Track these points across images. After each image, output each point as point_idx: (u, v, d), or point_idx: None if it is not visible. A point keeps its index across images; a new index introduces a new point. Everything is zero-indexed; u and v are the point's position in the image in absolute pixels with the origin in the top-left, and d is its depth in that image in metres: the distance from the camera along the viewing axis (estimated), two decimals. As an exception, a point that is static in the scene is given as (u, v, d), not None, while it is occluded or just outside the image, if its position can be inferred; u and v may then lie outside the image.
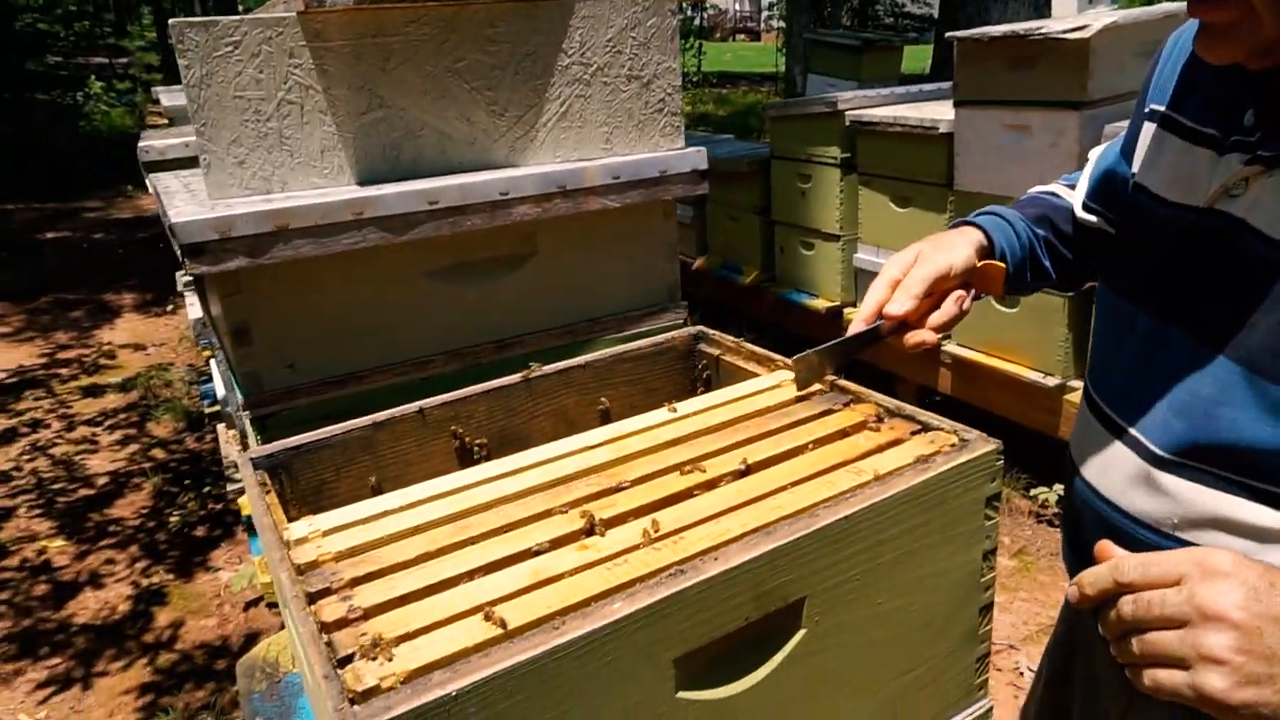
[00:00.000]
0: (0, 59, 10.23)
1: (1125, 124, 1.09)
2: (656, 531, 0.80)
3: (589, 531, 0.82)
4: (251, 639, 2.93)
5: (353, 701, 0.62)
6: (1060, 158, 2.88)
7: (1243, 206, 0.83)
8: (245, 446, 2.23)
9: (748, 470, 0.92)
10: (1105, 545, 0.76)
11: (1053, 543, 3.13)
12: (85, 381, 5.16)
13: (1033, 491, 3.26)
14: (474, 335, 1.36)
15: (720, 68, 21.15)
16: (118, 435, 4.45)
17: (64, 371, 5.33)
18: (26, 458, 4.23)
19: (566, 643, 0.66)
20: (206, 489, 3.83)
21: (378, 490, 1.07)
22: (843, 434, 0.98)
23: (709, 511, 0.83)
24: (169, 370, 5.23)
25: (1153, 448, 0.92)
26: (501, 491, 0.91)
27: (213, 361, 2.89)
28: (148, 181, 1.96)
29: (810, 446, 0.96)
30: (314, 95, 1.19)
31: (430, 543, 0.83)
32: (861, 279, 3.89)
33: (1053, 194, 1.19)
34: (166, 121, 3.10)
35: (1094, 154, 1.16)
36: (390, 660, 0.66)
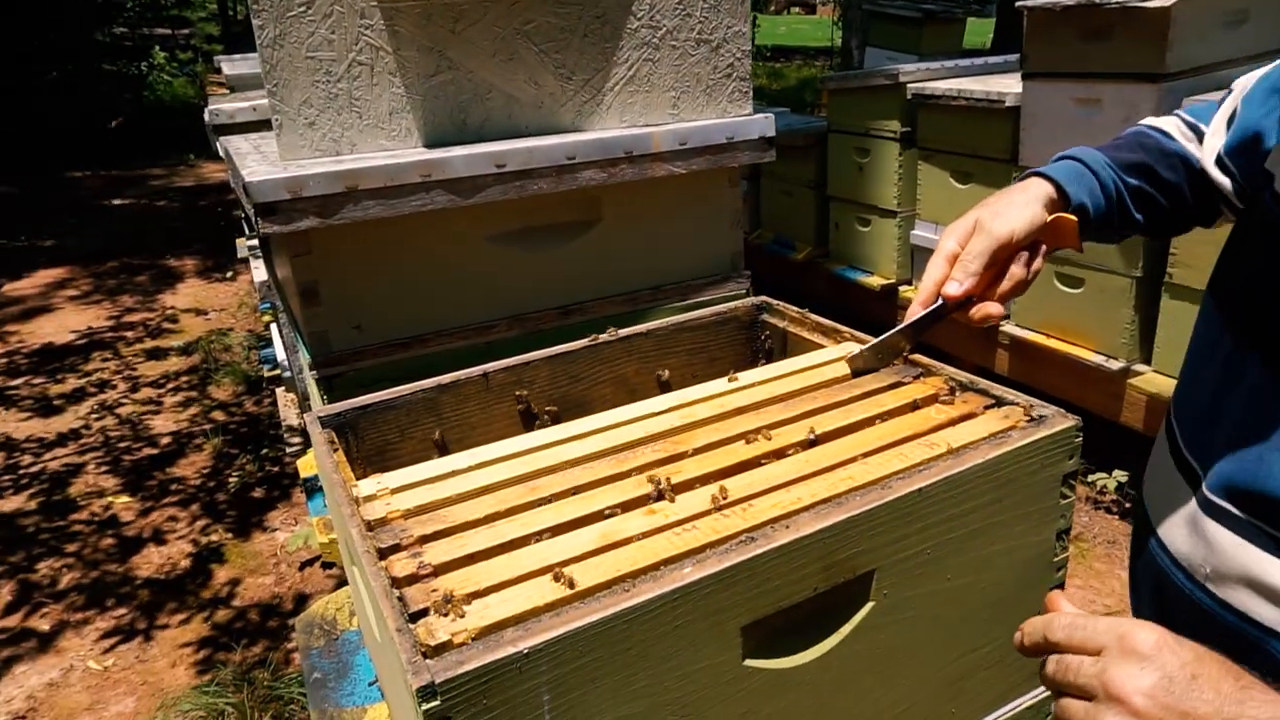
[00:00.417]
0: (71, 30, 10.48)
1: (1205, 98, 0.97)
2: (725, 498, 0.80)
3: (658, 496, 0.81)
4: (304, 599, 3.00)
5: (425, 655, 0.63)
6: (1133, 134, 2.77)
7: None
8: (304, 409, 2.27)
9: (816, 440, 0.90)
10: (1055, 596, 0.71)
11: (1109, 530, 3.06)
12: (149, 344, 5.32)
13: (1091, 477, 3.18)
14: (537, 301, 1.36)
15: (774, 41, 20.83)
16: (180, 397, 4.57)
17: (129, 334, 5.50)
18: (95, 416, 4.38)
19: (637, 605, 0.66)
20: (264, 451, 3.92)
21: (443, 451, 1.08)
22: (913, 406, 0.96)
23: (778, 480, 0.82)
24: (228, 335, 5.36)
25: (1204, 488, 0.85)
26: (569, 455, 0.91)
27: (273, 326, 2.95)
28: (216, 145, 1.99)
29: (880, 418, 0.94)
30: (384, 56, 1.19)
31: (499, 503, 0.83)
32: (918, 256, 3.81)
33: (1163, 133, 1.03)
34: (228, 90, 3.14)
35: (1240, 85, 0.95)
36: (462, 617, 0.66)
